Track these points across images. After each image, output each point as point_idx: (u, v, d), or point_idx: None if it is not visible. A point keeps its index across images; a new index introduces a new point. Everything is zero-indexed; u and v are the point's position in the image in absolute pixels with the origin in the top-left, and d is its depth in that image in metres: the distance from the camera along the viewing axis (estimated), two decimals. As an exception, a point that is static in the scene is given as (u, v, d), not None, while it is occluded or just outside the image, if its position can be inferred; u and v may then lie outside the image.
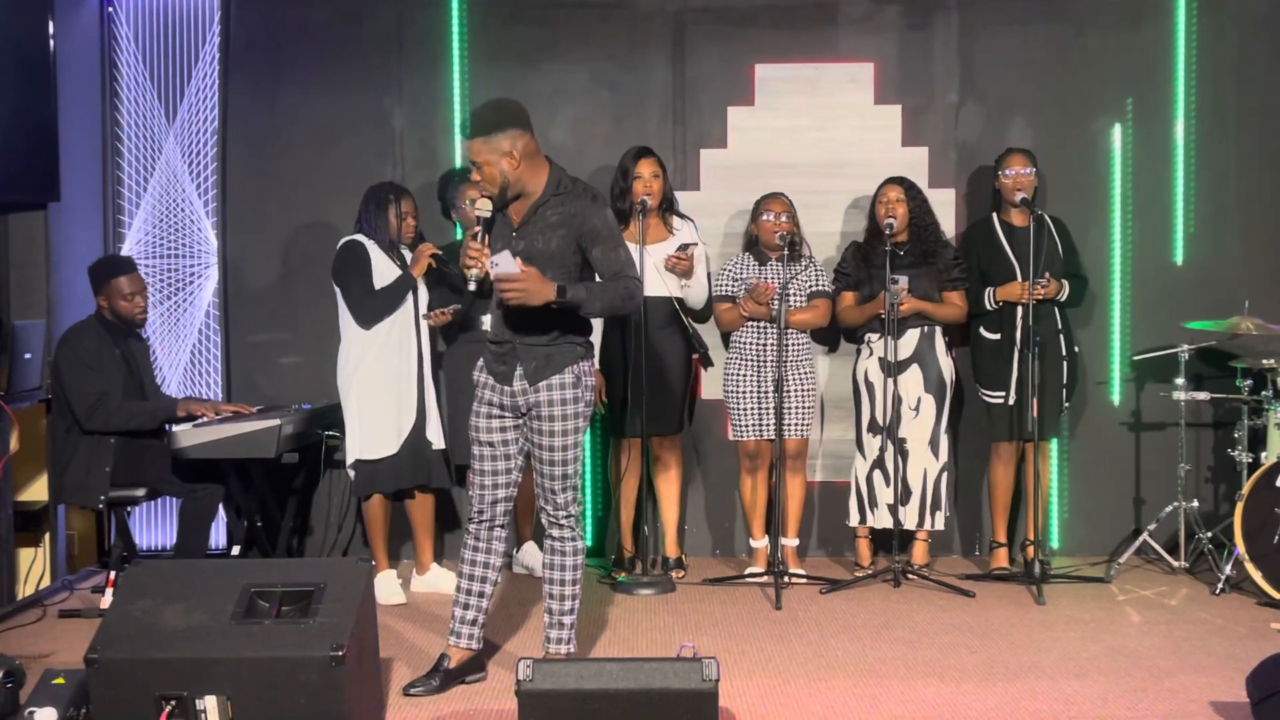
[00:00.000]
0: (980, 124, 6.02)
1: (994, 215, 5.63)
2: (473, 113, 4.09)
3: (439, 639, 4.65)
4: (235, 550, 5.50)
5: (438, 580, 5.39)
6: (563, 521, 4.16)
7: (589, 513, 6.05)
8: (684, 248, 5.48)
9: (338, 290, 5.27)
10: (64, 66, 5.55)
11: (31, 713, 3.59)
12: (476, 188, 4.15)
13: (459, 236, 5.78)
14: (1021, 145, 5.71)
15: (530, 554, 5.67)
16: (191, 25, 6.03)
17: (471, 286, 3.97)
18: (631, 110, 6.06)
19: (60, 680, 3.69)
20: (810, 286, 5.55)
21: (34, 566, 5.47)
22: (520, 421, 4.13)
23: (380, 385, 5.20)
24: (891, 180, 5.56)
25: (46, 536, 5.57)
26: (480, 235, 3.97)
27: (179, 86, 6.05)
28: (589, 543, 6.00)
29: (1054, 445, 5.89)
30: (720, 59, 6.03)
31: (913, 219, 5.52)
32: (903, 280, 5.31)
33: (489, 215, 3.99)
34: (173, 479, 5.15)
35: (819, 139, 5.99)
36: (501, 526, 4.23)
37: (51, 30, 5.37)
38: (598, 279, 4.05)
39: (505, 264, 3.89)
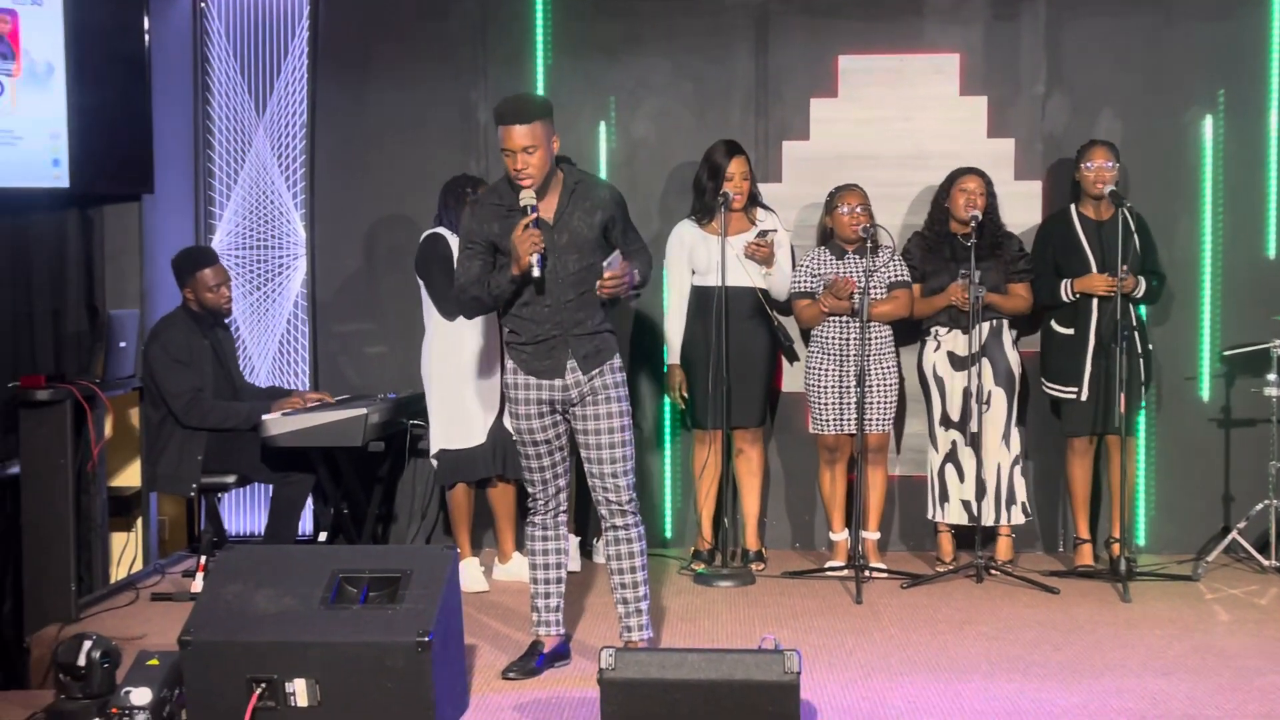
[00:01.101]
0: (1067, 115, 5.93)
1: (1072, 207, 5.56)
2: (511, 102, 4.12)
3: (521, 626, 4.70)
4: (322, 537, 5.59)
5: (519, 569, 5.43)
6: (626, 508, 4.19)
7: (667, 505, 6.07)
8: (763, 234, 5.48)
9: (421, 283, 5.34)
10: (158, 62, 5.67)
11: (127, 692, 3.69)
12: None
13: None
14: (1109, 138, 5.63)
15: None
16: (281, 20, 6.13)
17: (537, 272, 4.01)
18: (714, 102, 6.06)
19: (154, 661, 3.79)
20: (890, 277, 5.51)
21: (126, 550, 5.60)
22: (566, 413, 4.17)
23: (463, 376, 5.26)
24: (971, 171, 5.51)
25: (138, 521, 5.70)
26: (532, 225, 4.00)
27: (269, 80, 6.15)
28: (668, 535, 6.05)
29: (1139, 442, 5.80)
30: (804, 51, 6.01)
31: (985, 212, 5.47)
32: (975, 274, 5.26)
33: (535, 204, 4.02)
34: (263, 466, 5.25)
35: (903, 131, 5.95)
36: (564, 512, 4.33)
37: (147, 26, 5.48)
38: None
39: (615, 263, 4.08)
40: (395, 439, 5.68)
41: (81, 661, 3.78)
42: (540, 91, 6.03)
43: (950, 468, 5.52)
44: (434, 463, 5.34)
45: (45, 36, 5.19)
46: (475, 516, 5.46)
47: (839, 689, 4.10)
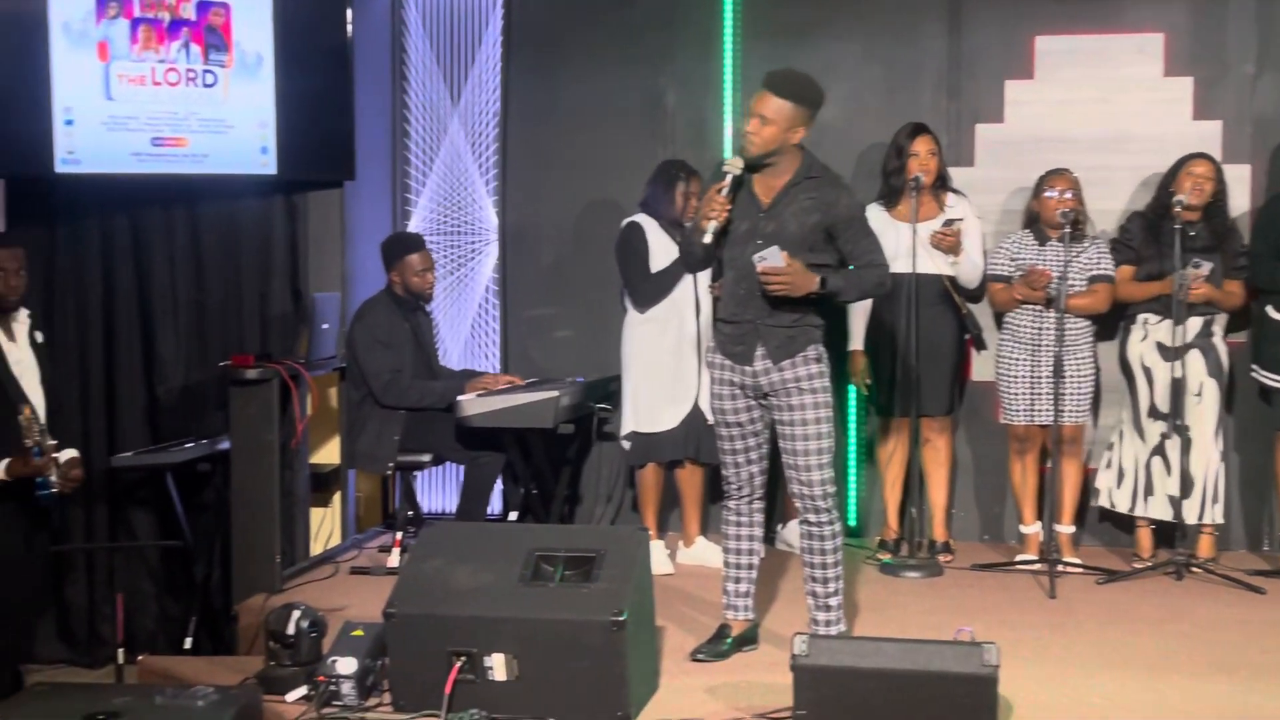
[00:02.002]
0: (1279, 96, 5.68)
1: (1299, 186, 5.31)
2: (782, 71, 4.10)
3: (706, 609, 4.72)
4: (513, 516, 5.70)
5: (704, 553, 5.45)
6: (819, 504, 4.14)
7: (853, 493, 6.02)
8: (949, 223, 5.38)
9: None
10: (358, 52, 5.85)
11: (333, 661, 3.82)
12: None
13: None
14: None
15: (794, 532, 5.67)
16: (476, 9, 6.26)
17: (708, 239, 3.99)
18: (904, 85, 5.96)
19: (359, 633, 3.92)
20: (1091, 269, 5.35)
21: (323, 525, 5.81)
22: (763, 401, 4.13)
23: (661, 360, 5.29)
24: (1201, 155, 5.30)
25: (336, 497, 5.91)
26: (726, 191, 3.97)
27: (463, 69, 6.29)
28: (852, 523, 5.99)
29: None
30: (998, 31, 5.87)
31: (1213, 200, 5.26)
32: (1205, 266, 5.07)
33: (739, 175, 3.99)
34: (456, 446, 5.37)
35: (1103, 113, 5.76)
36: (760, 499, 4.28)
37: (349, 17, 5.66)
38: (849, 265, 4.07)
39: (773, 257, 3.94)
40: (583, 422, 5.76)
41: (290, 630, 3.94)
42: (728, 76, 6.03)
43: (1158, 461, 5.33)
44: (625, 444, 5.39)
45: (255, 29, 5.41)
46: (662, 499, 5.49)
47: (1034, 685, 4.00)
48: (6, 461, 4.19)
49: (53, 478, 4.24)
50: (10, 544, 4.35)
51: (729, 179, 4.00)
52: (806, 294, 3.97)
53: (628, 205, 5.81)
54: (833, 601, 4.20)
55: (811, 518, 4.16)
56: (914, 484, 5.50)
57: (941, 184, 5.52)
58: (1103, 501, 5.51)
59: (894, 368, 5.42)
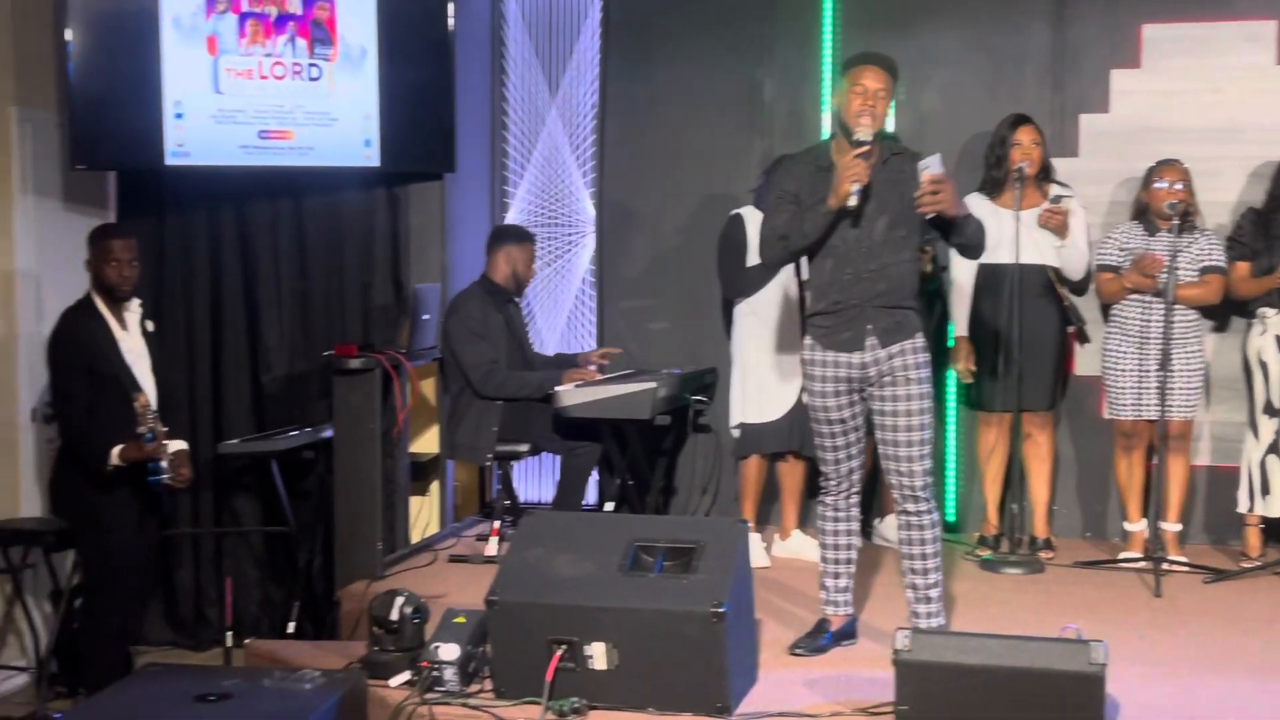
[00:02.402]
0: (1396, 83, 5.52)
1: None
2: (873, 52, 4.11)
3: (803, 602, 4.70)
4: (609, 507, 5.72)
5: (799, 546, 5.43)
6: (920, 494, 4.10)
7: (951, 487, 5.95)
8: (1056, 200, 5.30)
9: None
10: (457, 44, 5.89)
11: (436, 647, 3.86)
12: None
13: None
14: None
15: (891, 526, 5.63)
16: (575, 1, 6.28)
17: (853, 201, 3.95)
18: (1007, 75, 5.88)
19: (461, 619, 3.95)
20: (1203, 260, 5.23)
21: (421, 514, 5.88)
22: (862, 393, 4.11)
23: (765, 350, 5.28)
24: None
25: (434, 486, 5.98)
26: (864, 155, 3.96)
27: (561, 61, 6.31)
28: (951, 518, 5.93)
29: None
30: (1104, 20, 5.76)
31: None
32: None
33: (869, 141, 3.97)
34: (553, 437, 5.41)
35: (1212, 102, 5.63)
36: (857, 493, 4.26)
37: (451, 10, 5.71)
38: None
39: (935, 165, 3.94)
40: (679, 414, 5.76)
41: (394, 616, 3.99)
42: (827, 66, 5.99)
43: (1273, 458, 5.19)
44: (735, 433, 5.39)
45: (359, 22, 5.49)
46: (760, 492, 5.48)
47: (1140, 684, 3.93)
48: (120, 447, 4.31)
49: (164, 464, 4.36)
50: (124, 528, 4.48)
51: (864, 146, 3.97)
52: (952, 216, 3.97)
53: (725, 196, 5.81)
54: (933, 594, 4.16)
55: (910, 507, 4.13)
56: (1015, 479, 5.42)
57: (1045, 175, 5.44)
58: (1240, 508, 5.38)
59: (995, 361, 5.35)
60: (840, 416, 4.15)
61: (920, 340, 4.09)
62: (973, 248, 4.16)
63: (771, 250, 4.18)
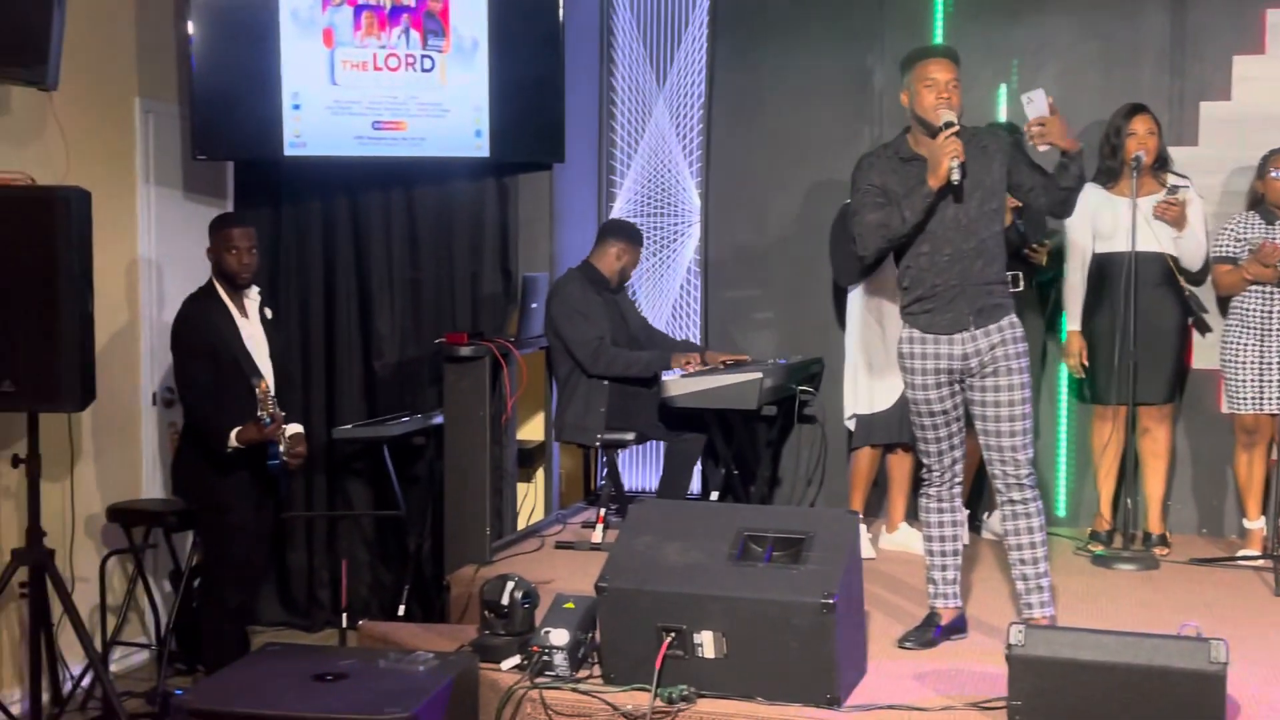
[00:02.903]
0: None
1: None
2: (933, 45, 4.26)
3: (910, 595, 4.67)
4: (714, 496, 5.73)
5: (906, 539, 5.39)
6: (1024, 482, 4.07)
7: (1062, 481, 5.86)
8: (1173, 190, 5.19)
9: None
10: (567, 35, 5.93)
11: (546, 632, 3.90)
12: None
13: None
14: None
15: (999, 520, 5.56)
16: (684, -8, 6.30)
17: (956, 176, 3.95)
18: (1123, 62, 5.77)
19: (570, 605, 3.98)
20: (1327, 248, 5.09)
21: (526, 500, 5.94)
22: (961, 383, 4.09)
23: (880, 339, 5.24)
24: None
25: (539, 473, 6.03)
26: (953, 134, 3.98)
27: (669, 51, 6.32)
28: (1062, 513, 5.84)
29: None
30: (1226, 4, 5.62)
31: None
32: None
33: (956, 122, 3.98)
34: (659, 425, 5.43)
35: (1340, 89, 5.48)
36: (959, 484, 4.24)
37: (561, 2, 5.74)
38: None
39: (1040, 99, 4.05)
40: (784, 404, 5.75)
41: (505, 600, 4.03)
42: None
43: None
44: (849, 424, 5.37)
45: (471, 14, 5.55)
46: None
47: (1261, 685, 3.84)
48: (239, 429, 4.42)
49: (280, 447, 4.46)
50: (243, 510, 4.59)
51: (955, 126, 3.99)
52: (1065, 148, 4.00)
53: (832, 185, 5.78)
54: (1044, 583, 4.12)
55: (1015, 495, 4.10)
56: (1129, 474, 5.32)
57: (1161, 164, 5.33)
58: None
59: (1112, 352, 5.25)
60: (943, 408, 4.12)
61: (1017, 325, 4.08)
62: (1076, 192, 4.12)
63: (872, 240, 4.15)
